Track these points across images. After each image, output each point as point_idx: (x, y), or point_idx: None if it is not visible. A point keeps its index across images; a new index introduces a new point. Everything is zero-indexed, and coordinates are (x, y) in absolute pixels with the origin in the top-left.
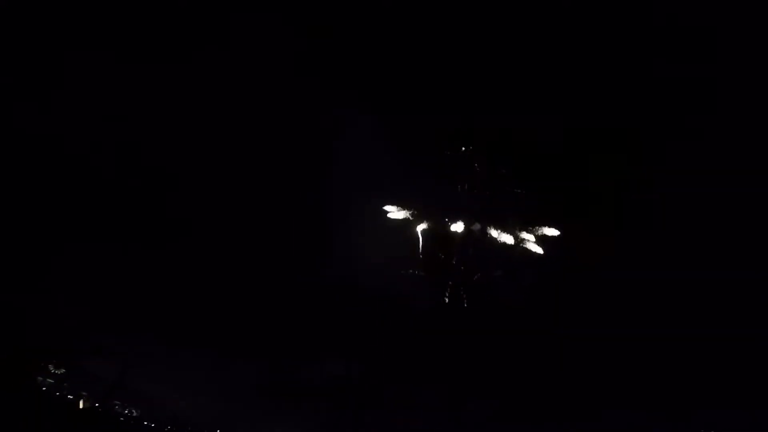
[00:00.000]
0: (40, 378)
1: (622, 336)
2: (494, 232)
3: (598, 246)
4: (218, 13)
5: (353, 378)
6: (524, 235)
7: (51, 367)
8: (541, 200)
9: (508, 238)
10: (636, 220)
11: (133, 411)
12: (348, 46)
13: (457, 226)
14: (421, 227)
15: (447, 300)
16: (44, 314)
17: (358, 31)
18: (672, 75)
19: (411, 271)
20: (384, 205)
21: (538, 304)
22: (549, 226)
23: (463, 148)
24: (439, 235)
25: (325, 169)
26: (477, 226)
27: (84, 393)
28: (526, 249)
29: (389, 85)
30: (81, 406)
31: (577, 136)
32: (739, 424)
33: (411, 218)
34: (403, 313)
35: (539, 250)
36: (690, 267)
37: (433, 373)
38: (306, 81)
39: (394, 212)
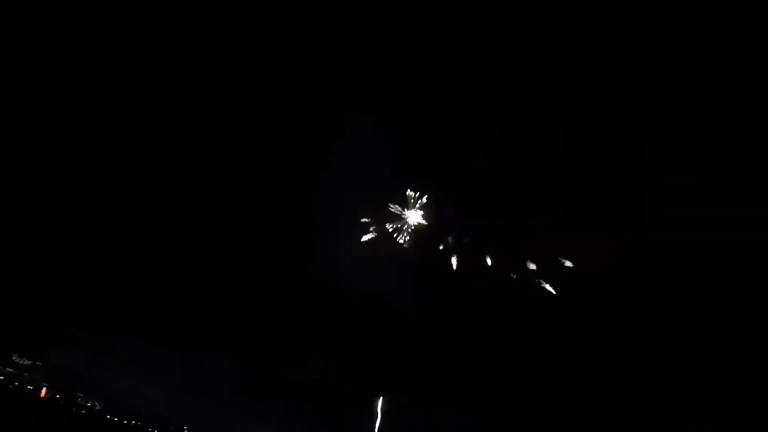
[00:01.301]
0: None
1: (622, 337)
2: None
3: (597, 246)
4: (218, 13)
5: (333, 379)
6: (532, 266)
7: (14, 357)
8: (541, 200)
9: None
10: (636, 220)
11: (97, 404)
12: (348, 46)
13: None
14: (410, 240)
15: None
16: (15, 303)
17: (358, 31)
18: (672, 75)
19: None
20: (380, 207)
21: (534, 307)
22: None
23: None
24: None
25: (322, 169)
26: (466, 240)
27: (45, 384)
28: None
29: (389, 85)
30: (43, 394)
31: (577, 136)
32: (738, 426)
33: (374, 233)
34: (386, 316)
35: (552, 290)
36: (690, 267)
37: (415, 377)
38: (306, 81)
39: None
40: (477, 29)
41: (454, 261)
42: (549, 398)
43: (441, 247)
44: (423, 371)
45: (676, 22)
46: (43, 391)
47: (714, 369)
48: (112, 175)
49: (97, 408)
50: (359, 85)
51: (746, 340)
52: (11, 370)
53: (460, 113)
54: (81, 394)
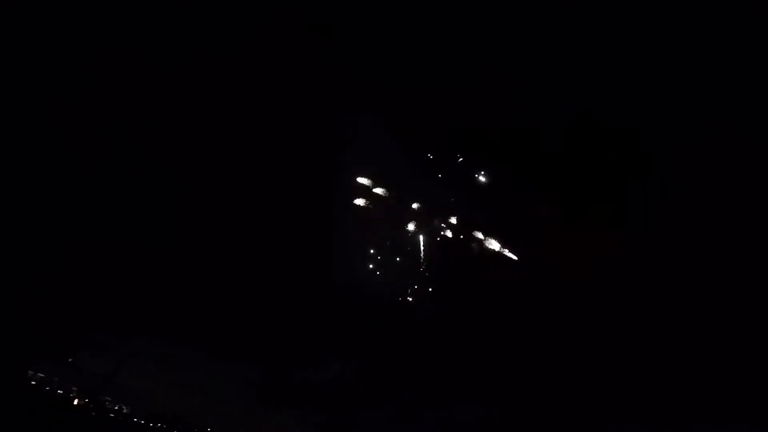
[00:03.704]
0: (30, 372)
1: (622, 339)
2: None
3: (597, 246)
4: (220, 14)
5: (349, 379)
6: None
7: (45, 362)
8: (541, 200)
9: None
10: (636, 220)
11: (124, 407)
12: (348, 46)
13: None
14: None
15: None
16: (42, 309)
17: (358, 31)
18: (672, 75)
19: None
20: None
21: (536, 307)
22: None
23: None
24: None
25: (327, 170)
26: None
27: (74, 388)
28: None
29: (391, 86)
30: (75, 402)
31: (577, 136)
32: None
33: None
34: (401, 316)
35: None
36: (690, 268)
37: (429, 376)
38: (308, 81)
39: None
40: (478, 30)
41: (469, 259)
42: (551, 398)
43: (456, 248)
44: (442, 370)
45: (676, 22)
46: (76, 400)
47: (714, 371)
48: (135, 181)
49: (125, 411)
50: (362, 85)
51: (747, 342)
52: (42, 376)
53: (461, 113)
54: (108, 398)
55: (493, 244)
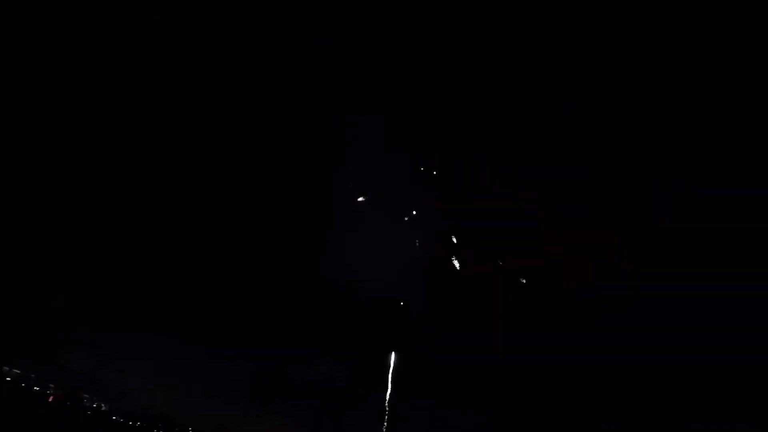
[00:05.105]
0: (5, 368)
1: (623, 340)
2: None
3: (597, 245)
4: (220, 14)
5: (341, 379)
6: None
7: (22, 358)
8: (541, 201)
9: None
10: (635, 220)
11: (102, 405)
12: (348, 46)
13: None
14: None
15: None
16: (23, 304)
17: (359, 32)
18: (672, 75)
19: None
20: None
21: (535, 308)
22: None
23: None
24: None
25: (324, 170)
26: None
27: (52, 385)
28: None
29: (391, 86)
30: (51, 399)
31: (577, 136)
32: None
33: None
34: (393, 316)
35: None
36: (690, 268)
37: (421, 377)
38: (308, 81)
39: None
40: (478, 29)
41: (460, 260)
42: (553, 397)
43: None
44: (432, 370)
45: (676, 22)
46: (51, 398)
47: (714, 371)
48: (123, 176)
49: (103, 409)
50: (363, 86)
51: (747, 341)
52: (18, 371)
53: (462, 113)
54: (86, 395)
55: (492, 244)
